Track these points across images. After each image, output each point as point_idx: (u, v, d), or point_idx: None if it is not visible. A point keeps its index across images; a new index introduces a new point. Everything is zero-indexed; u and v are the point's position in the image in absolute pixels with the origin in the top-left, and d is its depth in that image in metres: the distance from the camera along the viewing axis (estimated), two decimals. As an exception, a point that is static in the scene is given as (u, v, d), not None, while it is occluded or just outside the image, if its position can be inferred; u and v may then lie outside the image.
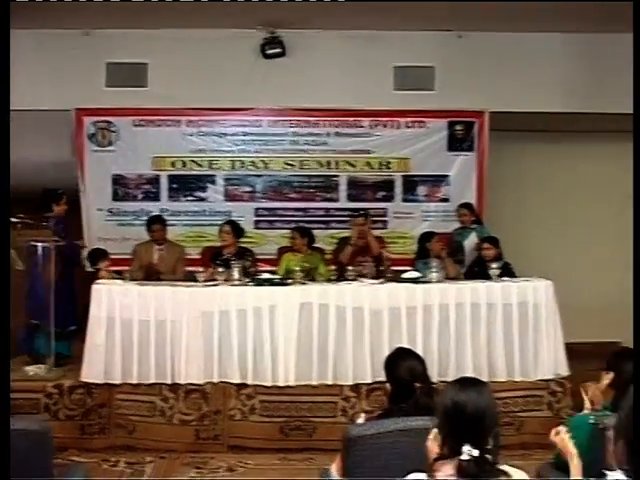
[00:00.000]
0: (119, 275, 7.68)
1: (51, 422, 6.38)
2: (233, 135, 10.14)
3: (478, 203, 10.13)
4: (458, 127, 10.29)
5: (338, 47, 10.01)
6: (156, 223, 8.98)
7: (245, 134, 10.15)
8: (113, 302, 6.91)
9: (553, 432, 3.68)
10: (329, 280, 8.08)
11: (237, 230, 8.58)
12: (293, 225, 9.40)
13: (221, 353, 6.85)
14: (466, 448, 2.87)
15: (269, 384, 6.83)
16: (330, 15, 9.23)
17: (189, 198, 10.12)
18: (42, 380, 7.02)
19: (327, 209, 10.24)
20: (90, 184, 9.83)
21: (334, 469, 3.97)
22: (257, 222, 10.13)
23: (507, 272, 7.79)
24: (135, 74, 9.76)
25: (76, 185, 9.65)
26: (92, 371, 6.86)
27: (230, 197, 10.16)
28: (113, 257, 8.44)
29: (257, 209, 10.17)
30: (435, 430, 3.02)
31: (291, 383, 6.83)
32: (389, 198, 10.31)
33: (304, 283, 7.30)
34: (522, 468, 3.09)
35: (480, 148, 10.26)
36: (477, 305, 7.08)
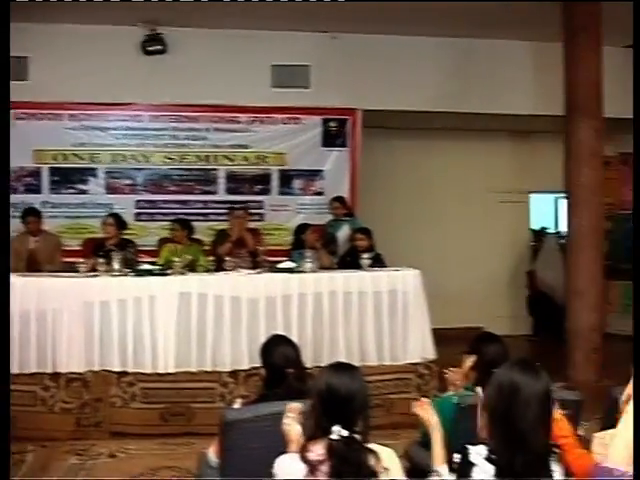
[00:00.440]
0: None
1: None
2: (114, 129, 10.01)
3: (351, 197, 10.26)
4: (332, 124, 10.40)
5: (218, 45, 9.99)
6: (30, 215, 8.77)
7: (126, 128, 10.03)
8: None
9: (416, 404, 3.72)
10: (208, 270, 8.06)
11: (120, 222, 8.45)
12: (173, 217, 9.29)
13: (102, 342, 6.73)
14: (336, 428, 2.92)
15: (149, 371, 6.76)
16: (210, 14, 9.21)
17: (70, 191, 9.94)
18: None
19: (206, 202, 10.21)
20: (-30, 176, 9.53)
21: (212, 452, 3.98)
22: (138, 214, 10.02)
23: (378, 262, 7.91)
24: (16, 68, 9.47)
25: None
26: (-29, 361, 6.66)
27: (111, 190, 10.02)
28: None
29: (138, 201, 10.06)
30: (307, 414, 3.06)
31: (171, 370, 6.76)
32: (266, 191, 10.36)
33: (183, 273, 7.25)
34: (391, 447, 3.16)
35: (353, 144, 10.39)
36: (349, 294, 7.16)
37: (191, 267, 7.72)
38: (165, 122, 10.08)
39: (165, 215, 9.85)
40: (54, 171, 9.90)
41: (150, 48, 9.74)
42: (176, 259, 7.44)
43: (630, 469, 2.04)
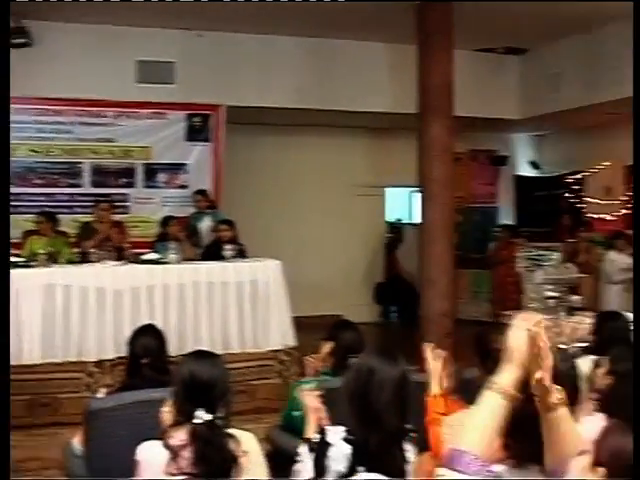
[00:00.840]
0: None
1: None
2: (-24, 121, 9.66)
3: (215, 190, 10.25)
4: (196, 119, 10.36)
5: (83, 40, 9.78)
6: None
7: (-11, 121, 9.70)
8: None
9: (303, 392, 3.65)
10: (73, 262, 7.92)
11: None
12: (38, 210, 9.07)
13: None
14: (199, 413, 2.95)
15: (14, 363, 6.57)
16: (77, 9, 9.00)
17: None
18: None
19: (71, 194, 10.00)
20: None
21: (77, 441, 3.94)
22: (2, 206, 9.70)
23: (239, 253, 7.96)
24: None
25: None
26: None
27: (-26, 182, 9.67)
28: None
29: (2, 194, 9.74)
30: (171, 401, 3.08)
31: (36, 361, 6.65)
32: (131, 184, 10.24)
33: (48, 265, 7.11)
34: (254, 431, 3.20)
35: (217, 139, 10.38)
36: (212, 284, 7.19)
37: (55, 259, 7.56)
38: (30, 115, 9.76)
39: (30, 208, 9.55)
40: None
41: (15, 41, 9.43)
42: (41, 251, 7.29)
43: (480, 453, 2.00)
